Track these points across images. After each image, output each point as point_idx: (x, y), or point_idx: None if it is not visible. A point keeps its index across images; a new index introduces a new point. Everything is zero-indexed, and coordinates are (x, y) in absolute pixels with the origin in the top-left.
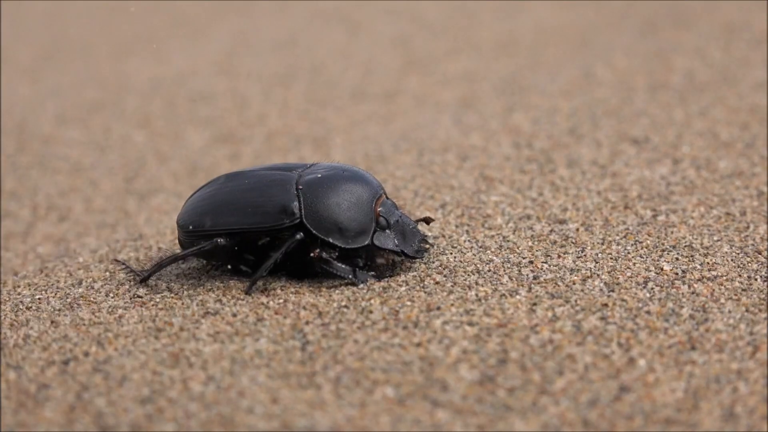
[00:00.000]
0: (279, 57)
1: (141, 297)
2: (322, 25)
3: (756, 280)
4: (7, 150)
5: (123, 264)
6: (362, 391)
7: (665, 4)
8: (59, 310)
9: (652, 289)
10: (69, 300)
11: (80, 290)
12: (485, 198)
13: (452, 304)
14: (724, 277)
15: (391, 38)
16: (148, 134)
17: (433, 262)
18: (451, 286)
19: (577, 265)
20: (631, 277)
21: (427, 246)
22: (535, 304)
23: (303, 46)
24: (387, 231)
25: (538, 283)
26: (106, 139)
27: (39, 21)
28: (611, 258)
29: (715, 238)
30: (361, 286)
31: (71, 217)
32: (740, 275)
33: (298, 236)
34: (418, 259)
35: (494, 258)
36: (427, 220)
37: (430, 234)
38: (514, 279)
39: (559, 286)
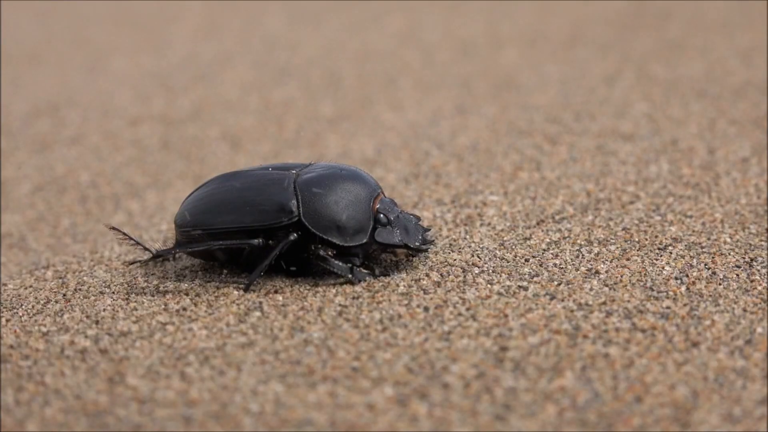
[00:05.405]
0: (276, 55)
1: (137, 296)
2: (319, 23)
3: (755, 279)
4: (6, 148)
5: (134, 240)
6: (361, 391)
7: (660, 3)
8: (55, 309)
9: (651, 288)
10: (65, 299)
11: (76, 289)
12: (483, 197)
13: (450, 304)
14: (723, 276)
15: (388, 37)
16: (145, 132)
17: (431, 262)
18: (449, 285)
19: (575, 264)
20: (630, 275)
21: (433, 239)
22: (533, 303)
23: (300, 44)
24: (388, 227)
25: (536, 282)
26: (104, 136)
27: (33, 17)
28: (609, 257)
29: (714, 237)
30: (360, 284)
31: (67, 214)
32: (739, 275)
33: (292, 237)
34: (424, 251)
35: (492, 257)
36: (416, 218)
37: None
38: (512, 278)
39: (557, 285)
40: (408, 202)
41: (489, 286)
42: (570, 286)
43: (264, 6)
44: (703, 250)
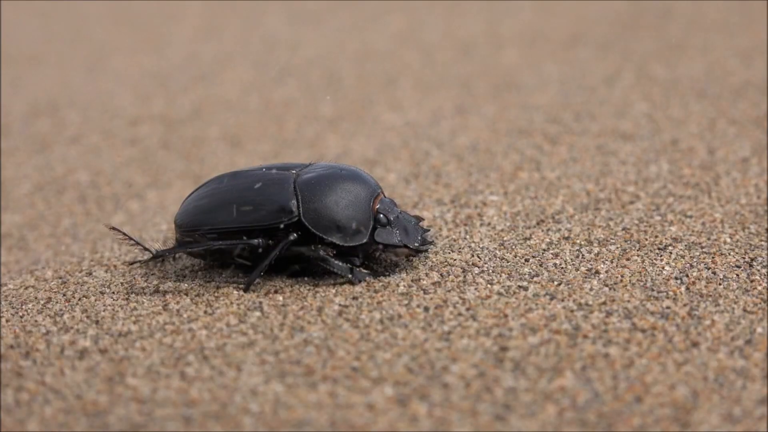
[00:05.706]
0: (276, 55)
1: (137, 296)
2: (319, 23)
3: (755, 279)
4: (5, 149)
5: (134, 240)
6: (361, 391)
7: (660, 3)
8: (55, 309)
9: (651, 288)
10: (65, 299)
11: (76, 290)
12: (483, 197)
13: (450, 304)
14: (723, 276)
15: (388, 37)
16: (145, 132)
17: (431, 262)
18: (449, 285)
19: (575, 264)
20: (630, 275)
21: (433, 239)
22: (533, 303)
23: (300, 44)
24: (388, 227)
25: (536, 282)
26: (104, 136)
27: (33, 17)
28: (609, 257)
29: (714, 237)
30: (360, 284)
31: (67, 214)
32: (739, 275)
33: (291, 237)
34: (423, 251)
35: (492, 257)
36: (417, 219)
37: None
38: (512, 278)
39: (557, 285)
40: (408, 202)
41: (489, 286)
42: (570, 286)
43: (264, 6)
44: (703, 250)
